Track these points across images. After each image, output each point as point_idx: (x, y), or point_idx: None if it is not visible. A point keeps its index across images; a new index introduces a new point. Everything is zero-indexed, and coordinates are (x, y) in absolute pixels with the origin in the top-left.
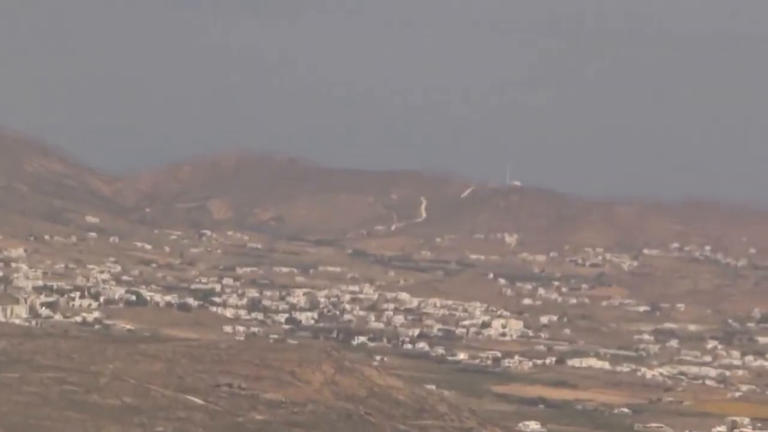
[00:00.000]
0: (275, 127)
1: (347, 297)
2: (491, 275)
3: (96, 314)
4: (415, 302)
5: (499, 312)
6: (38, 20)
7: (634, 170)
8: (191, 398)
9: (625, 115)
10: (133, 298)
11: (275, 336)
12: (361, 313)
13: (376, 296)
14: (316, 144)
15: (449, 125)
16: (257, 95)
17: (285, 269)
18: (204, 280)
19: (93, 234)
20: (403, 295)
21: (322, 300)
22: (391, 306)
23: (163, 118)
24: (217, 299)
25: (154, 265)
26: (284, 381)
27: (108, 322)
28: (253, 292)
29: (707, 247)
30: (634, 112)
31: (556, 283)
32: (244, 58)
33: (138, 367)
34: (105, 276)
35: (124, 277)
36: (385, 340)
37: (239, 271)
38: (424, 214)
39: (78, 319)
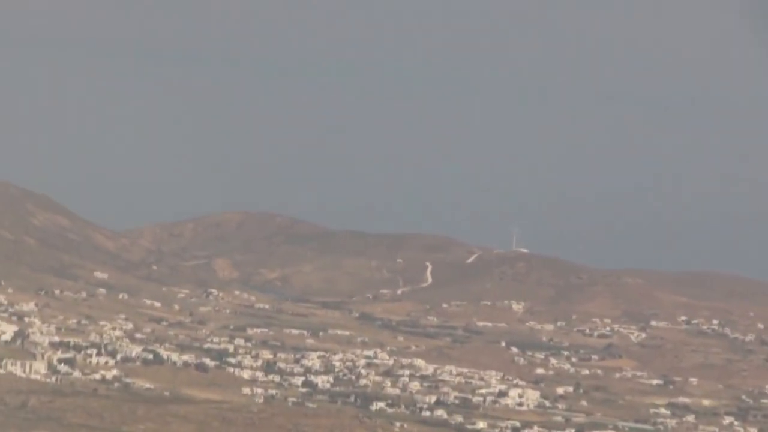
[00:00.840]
0: (277, 188)
1: (362, 361)
2: (503, 343)
3: (114, 372)
4: (430, 369)
5: (514, 381)
6: (53, 77)
7: (640, 240)
8: None
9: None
10: (150, 356)
11: (293, 399)
12: (377, 378)
13: (391, 362)
14: (317, 206)
15: (451, 189)
16: (258, 155)
17: (295, 331)
18: (216, 339)
19: (102, 290)
20: (419, 362)
21: (337, 364)
22: (407, 372)
23: (164, 175)
24: (231, 360)
25: (164, 323)
26: None
27: (127, 380)
28: (266, 354)
29: (715, 321)
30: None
31: (566, 353)
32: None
33: (170, 428)
34: (118, 333)
35: (137, 335)
36: (402, 406)
37: (250, 331)
38: (429, 279)
39: (97, 376)
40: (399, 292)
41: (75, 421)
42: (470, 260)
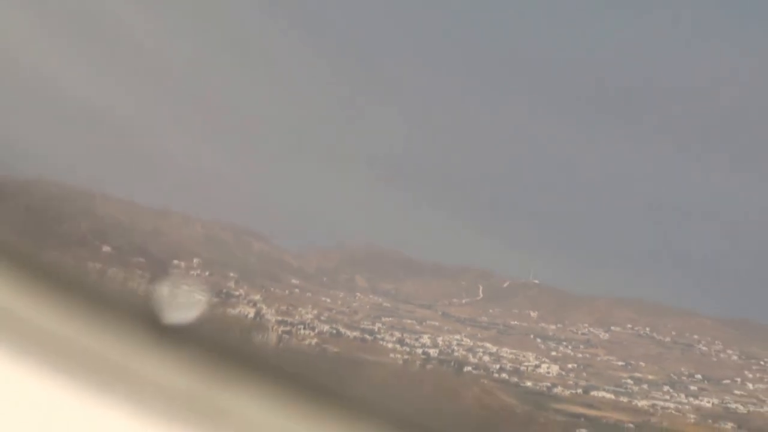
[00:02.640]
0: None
1: (454, 341)
2: (531, 336)
3: (315, 340)
4: (493, 348)
5: (543, 359)
6: None
7: None
8: None
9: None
10: (334, 331)
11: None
12: (463, 352)
13: (471, 343)
14: (409, 242)
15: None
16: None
17: (408, 320)
18: (365, 323)
19: (297, 290)
20: (486, 344)
21: (439, 342)
22: (480, 349)
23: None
24: (378, 336)
25: (334, 311)
26: None
27: (324, 346)
28: (397, 334)
29: None
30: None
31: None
32: None
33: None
34: (311, 316)
35: (322, 318)
36: (481, 370)
37: (384, 319)
38: (481, 295)
39: (305, 343)
40: (463, 301)
41: None
42: (505, 285)
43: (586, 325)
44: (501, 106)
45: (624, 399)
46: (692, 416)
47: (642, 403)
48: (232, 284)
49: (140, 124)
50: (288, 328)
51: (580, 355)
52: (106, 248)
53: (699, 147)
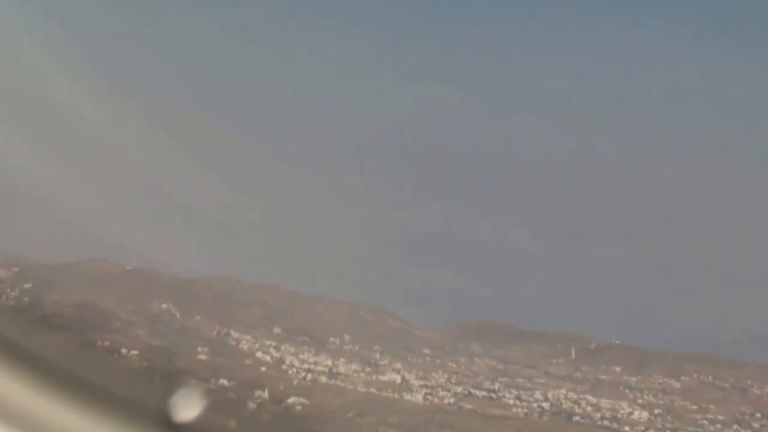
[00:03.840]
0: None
1: (560, 394)
2: (621, 388)
3: (452, 400)
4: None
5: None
6: None
7: None
8: None
9: None
10: (466, 392)
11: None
12: (569, 403)
13: (571, 395)
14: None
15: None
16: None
17: (519, 379)
18: (487, 383)
19: (428, 358)
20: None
21: (549, 395)
22: (582, 401)
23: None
24: (500, 393)
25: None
26: None
27: (460, 404)
28: (513, 391)
29: None
30: None
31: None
32: None
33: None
34: (443, 379)
35: (452, 380)
36: (586, 419)
37: (500, 378)
38: (573, 355)
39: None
40: (560, 360)
41: None
42: (592, 346)
43: (661, 376)
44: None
45: None
46: None
47: None
48: (377, 355)
49: (292, 232)
50: (429, 390)
51: (661, 402)
52: (276, 330)
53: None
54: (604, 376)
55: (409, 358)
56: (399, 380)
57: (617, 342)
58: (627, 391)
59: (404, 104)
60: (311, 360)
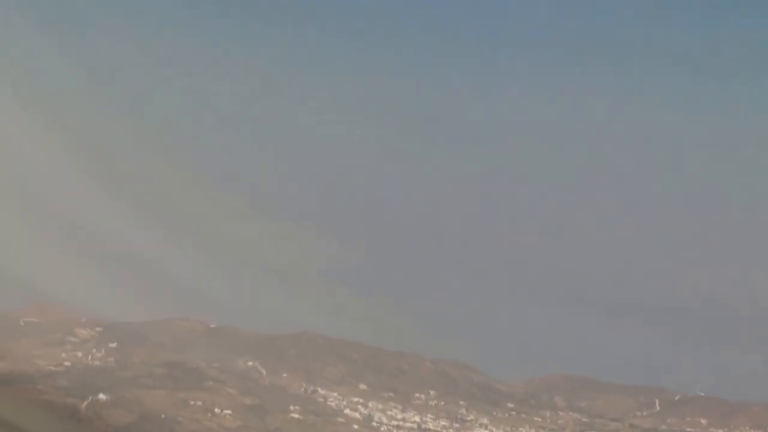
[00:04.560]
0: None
1: None
2: None
3: None
4: None
5: None
6: None
7: None
8: None
9: None
10: None
11: None
12: None
13: None
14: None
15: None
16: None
17: None
18: None
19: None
20: None
21: None
22: None
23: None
24: None
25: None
26: None
27: None
28: None
29: None
30: None
31: None
32: None
33: None
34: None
35: None
36: None
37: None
38: (658, 407)
39: None
40: (644, 413)
41: None
42: (677, 398)
43: (747, 427)
44: None
45: None
46: None
47: None
48: (463, 411)
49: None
50: None
51: None
52: (362, 386)
53: None
54: (690, 429)
55: (494, 413)
56: None
57: (702, 394)
58: None
59: None
60: (399, 416)
